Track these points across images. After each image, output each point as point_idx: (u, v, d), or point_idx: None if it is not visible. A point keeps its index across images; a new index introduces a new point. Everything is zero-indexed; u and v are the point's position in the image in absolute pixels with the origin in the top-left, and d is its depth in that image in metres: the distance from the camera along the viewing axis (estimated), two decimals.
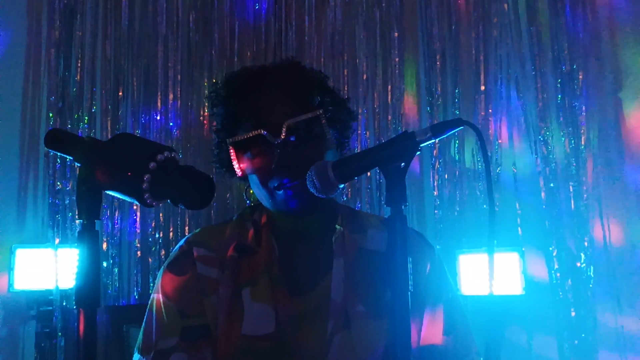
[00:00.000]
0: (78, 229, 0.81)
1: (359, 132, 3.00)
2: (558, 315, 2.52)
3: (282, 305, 1.13)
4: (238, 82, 1.20)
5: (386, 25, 3.07)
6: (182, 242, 1.23)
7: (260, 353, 1.10)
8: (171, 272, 1.19)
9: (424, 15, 3.02)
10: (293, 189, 1.10)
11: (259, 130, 1.10)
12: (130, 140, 0.86)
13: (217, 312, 1.14)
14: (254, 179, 1.15)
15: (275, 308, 1.13)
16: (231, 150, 1.15)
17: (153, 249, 2.99)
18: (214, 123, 1.25)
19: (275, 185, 1.11)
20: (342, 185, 0.97)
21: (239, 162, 1.15)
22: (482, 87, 2.81)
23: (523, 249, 2.54)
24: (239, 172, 1.16)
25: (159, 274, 1.21)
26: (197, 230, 1.26)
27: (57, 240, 2.73)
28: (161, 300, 1.17)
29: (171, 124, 3.10)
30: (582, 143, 2.54)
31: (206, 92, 3.17)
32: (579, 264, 2.49)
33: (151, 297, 1.20)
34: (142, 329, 1.18)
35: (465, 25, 2.91)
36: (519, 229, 2.65)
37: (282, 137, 1.09)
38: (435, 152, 2.89)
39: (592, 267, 2.47)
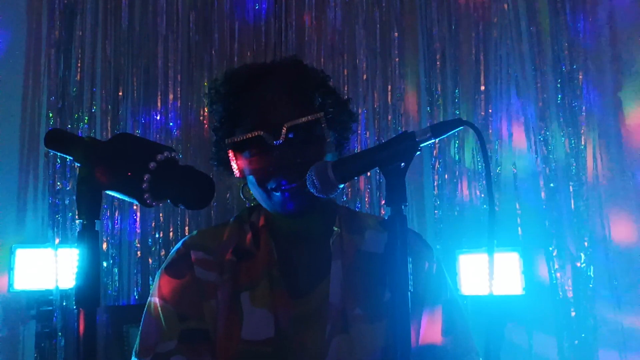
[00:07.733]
0: (78, 229, 0.81)
1: (359, 132, 3.00)
2: (558, 315, 2.52)
3: (282, 308, 1.12)
4: (238, 80, 1.17)
5: (386, 25, 3.08)
6: (179, 245, 1.22)
7: (260, 357, 1.09)
8: (169, 275, 1.18)
9: (424, 15, 3.03)
10: (290, 190, 1.09)
11: (257, 132, 1.09)
12: (130, 140, 0.85)
13: (216, 317, 1.13)
14: (251, 180, 1.13)
15: (275, 312, 1.12)
16: (229, 151, 1.14)
17: (153, 249, 2.99)
18: (213, 120, 1.22)
19: (273, 186, 1.10)
20: (341, 185, 0.96)
21: (236, 162, 1.14)
22: (482, 87, 2.81)
23: (523, 249, 2.55)
24: (236, 173, 1.15)
25: (156, 277, 1.20)
26: (195, 232, 1.24)
27: (57, 240, 2.73)
28: (159, 303, 1.16)
29: (171, 124, 3.10)
30: (582, 143, 2.54)
31: (206, 91, 3.16)
32: (579, 264, 2.49)
33: (148, 300, 1.18)
34: (139, 332, 1.17)
35: (465, 25, 2.91)
36: (519, 229, 2.66)
37: (282, 138, 1.07)
38: (435, 152, 2.89)
39: (592, 267, 2.47)
